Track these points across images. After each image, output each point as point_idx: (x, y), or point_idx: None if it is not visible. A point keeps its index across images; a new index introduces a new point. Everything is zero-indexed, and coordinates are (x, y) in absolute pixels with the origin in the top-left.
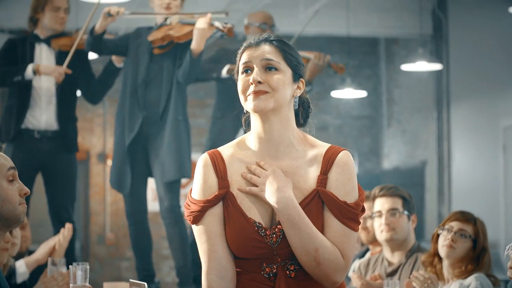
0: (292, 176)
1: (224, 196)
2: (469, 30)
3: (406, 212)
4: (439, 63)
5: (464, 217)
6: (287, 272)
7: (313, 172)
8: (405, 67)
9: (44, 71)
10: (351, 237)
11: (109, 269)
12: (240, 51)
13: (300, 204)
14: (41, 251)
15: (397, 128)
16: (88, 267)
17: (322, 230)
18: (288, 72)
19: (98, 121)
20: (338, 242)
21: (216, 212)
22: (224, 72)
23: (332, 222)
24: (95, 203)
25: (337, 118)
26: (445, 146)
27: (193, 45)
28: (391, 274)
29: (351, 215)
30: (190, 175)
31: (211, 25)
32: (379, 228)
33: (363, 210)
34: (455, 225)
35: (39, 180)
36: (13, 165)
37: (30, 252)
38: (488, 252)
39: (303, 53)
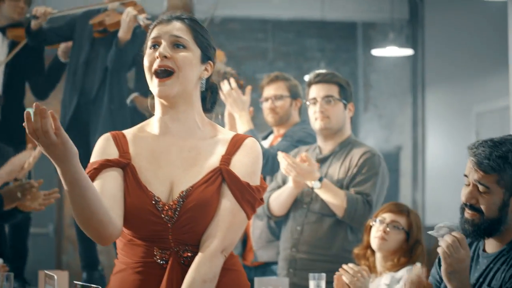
0: (195, 155)
1: (125, 166)
2: (445, 15)
3: (342, 100)
4: (413, 48)
5: (397, 208)
6: (181, 259)
7: (218, 153)
8: (376, 52)
9: None
10: (241, 221)
11: None
12: (151, 27)
13: (200, 181)
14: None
15: (373, 113)
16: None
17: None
18: (197, 52)
19: None
20: (225, 221)
21: (115, 175)
22: None
23: (228, 201)
24: None
25: None
26: (419, 132)
27: (120, 33)
28: (321, 161)
29: (250, 197)
30: None
31: (134, 17)
32: (313, 115)
33: (262, 200)
34: (387, 216)
35: None
36: None
37: None
38: (422, 245)
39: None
